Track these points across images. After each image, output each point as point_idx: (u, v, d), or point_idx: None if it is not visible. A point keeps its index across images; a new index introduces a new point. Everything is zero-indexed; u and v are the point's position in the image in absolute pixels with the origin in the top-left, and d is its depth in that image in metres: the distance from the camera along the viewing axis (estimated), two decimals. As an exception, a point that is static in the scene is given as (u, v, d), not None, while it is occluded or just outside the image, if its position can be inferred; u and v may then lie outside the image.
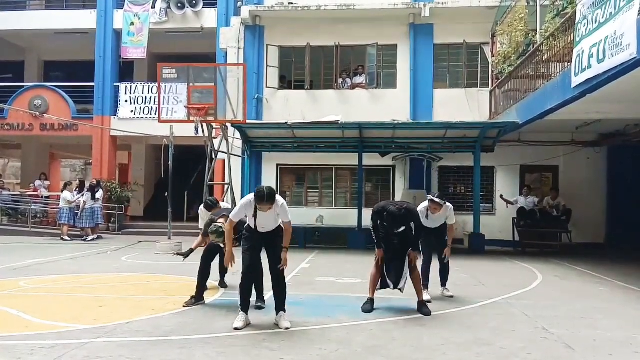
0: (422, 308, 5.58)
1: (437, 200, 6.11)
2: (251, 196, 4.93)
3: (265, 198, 4.75)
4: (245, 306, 4.96)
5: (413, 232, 5.57)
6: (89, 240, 13.85)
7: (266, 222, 5.02)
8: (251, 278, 5.10)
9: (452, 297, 6.38)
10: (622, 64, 6.17)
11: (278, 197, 4.94)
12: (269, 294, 5.36)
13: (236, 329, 4.73)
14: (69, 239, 14.07)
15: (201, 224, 7.08)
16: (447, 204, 6.31)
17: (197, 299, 5.81)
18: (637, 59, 5.88)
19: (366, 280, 7.44)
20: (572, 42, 7.86)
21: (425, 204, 6.32)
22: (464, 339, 4.56)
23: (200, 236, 6.33)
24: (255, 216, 4.96)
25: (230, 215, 5.12)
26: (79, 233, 14.40)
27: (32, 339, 4.34)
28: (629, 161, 13.24)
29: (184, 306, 5.64)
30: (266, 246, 5.16)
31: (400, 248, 5.54)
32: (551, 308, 5.91)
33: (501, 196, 13.22)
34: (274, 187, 14.72)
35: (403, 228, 5.43)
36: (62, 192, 14.54)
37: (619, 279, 8.08)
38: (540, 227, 12.47)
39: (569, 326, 5.05)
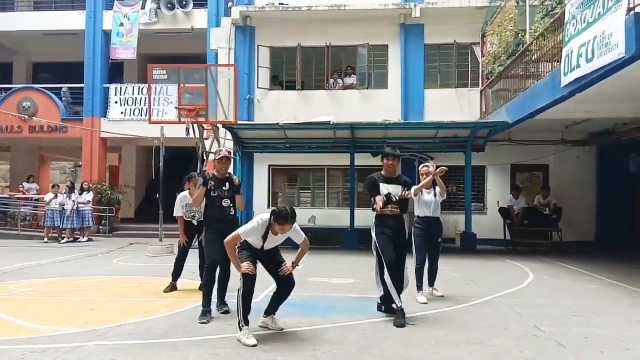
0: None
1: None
2: (266, 216, 4.50)
3: (290, 217, 4.37)
4: (247, 319, 4.45)
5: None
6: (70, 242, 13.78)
7: (274, 243, 4.70)
8: (253, 286, 4.53)
9: (442, 296, 6.38)
10: (611, 63, 6.24)
11: None
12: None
13: (255, 345, 4.26)
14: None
15: (177, 212, 6.67)
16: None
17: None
18: (625, 58, 5.94)
19: (359, 280, 7.49)
20: (561, 42, 7.93)
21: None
22: (456, 338, 4.58)
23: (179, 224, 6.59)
24: (265, 237, 4.55)
25: (239, 231, 4.53)
26: (55, 235, 14.37)
27: (23, 343, 4.29)
28: (618, 159, 13.38)
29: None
30: (265, 257, 4.77)
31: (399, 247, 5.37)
32: (542, 306, 5.94)
33: (498, 203, 13.38)
34: (266, 188, 14.88)
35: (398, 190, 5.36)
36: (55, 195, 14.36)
37: (609, 277, 8.16)
38: (529, 227, 12.55)
39: (560, 324, 5.09)
